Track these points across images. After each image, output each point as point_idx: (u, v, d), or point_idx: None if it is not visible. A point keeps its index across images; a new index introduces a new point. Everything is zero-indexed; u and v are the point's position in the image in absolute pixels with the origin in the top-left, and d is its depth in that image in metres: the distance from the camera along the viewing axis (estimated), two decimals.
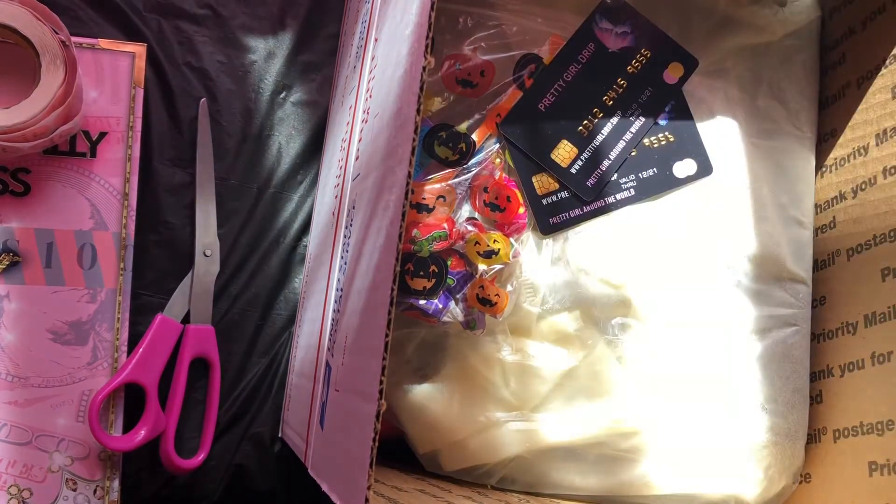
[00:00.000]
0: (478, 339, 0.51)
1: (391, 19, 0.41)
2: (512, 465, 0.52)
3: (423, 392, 0.52)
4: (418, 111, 0.30)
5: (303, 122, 0.63)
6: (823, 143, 0.56)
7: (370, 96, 0.43)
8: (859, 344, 0.51)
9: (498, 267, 0.51)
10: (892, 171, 0.50)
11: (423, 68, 0.30)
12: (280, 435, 0.61)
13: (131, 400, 0.57)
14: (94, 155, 0.57)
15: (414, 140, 0.31)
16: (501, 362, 0.51)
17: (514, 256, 0.51)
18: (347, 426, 0.36)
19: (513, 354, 0.51)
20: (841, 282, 0.54)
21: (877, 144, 0.51)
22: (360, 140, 0.44)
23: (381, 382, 0.31)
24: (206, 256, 0.60)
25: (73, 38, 0.55)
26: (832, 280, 0.54)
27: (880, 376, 0.49)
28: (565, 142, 0.54)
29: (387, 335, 0.31)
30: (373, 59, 0.45)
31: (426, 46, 0.31)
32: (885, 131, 0.51)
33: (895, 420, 0.47)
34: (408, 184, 0.31)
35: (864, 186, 0.52)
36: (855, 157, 0.53)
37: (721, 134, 0.55)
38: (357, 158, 0.44)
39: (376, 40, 0.45)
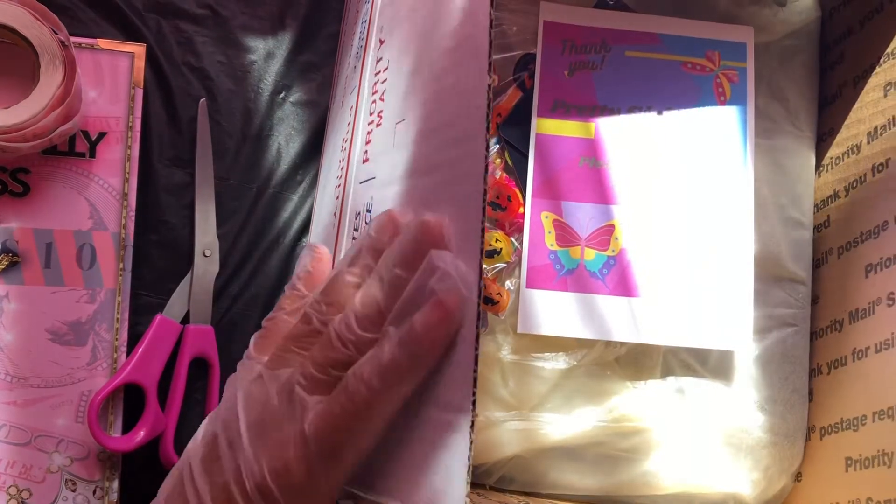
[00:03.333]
0: None
1: (409, 22, 0.40)
2: (510, 464, 0.52)
3: None
4: (487, 129, 0.30)
5: (303, 122, 0.63)
6: (822, 142, 0.56)
7: (381, 99, 0.42)
8: (844, 341, 0.51)
9: (500, 266, 0.51)
10: (881, 168, 0.50)
11: (489, 86, 0.30)
12: None
13: (131, 400, 0.57)
14: (93, 155, 0.57)
15: (486, 158, 0.30)
16: (501, 362, 0.51)
17: (515, 255, 0.51)
18: None
19: (512, 354, 0.51)
20: (831, 280, 0.54)
21: (868, 142, 0.52)
22: (368, 142, 0.44)
23: None
24: (206, 256, 0.59)
25: (73, 38, 0.55)
26: (825, 279, 0.55)
27: (858, 372, 0.50)
28: None
29: None
30: (379, 60, 0.44)
31: (489, 65, 0.30)
32: (875, 129, 0.51)
33: (868, 415, 0.48)
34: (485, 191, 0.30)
35: (855, 185, 0.52)
36: (848, 156, 0.53)
37: None
38: (366, 161, 0.43)
39: (381, 42, 0.45)
